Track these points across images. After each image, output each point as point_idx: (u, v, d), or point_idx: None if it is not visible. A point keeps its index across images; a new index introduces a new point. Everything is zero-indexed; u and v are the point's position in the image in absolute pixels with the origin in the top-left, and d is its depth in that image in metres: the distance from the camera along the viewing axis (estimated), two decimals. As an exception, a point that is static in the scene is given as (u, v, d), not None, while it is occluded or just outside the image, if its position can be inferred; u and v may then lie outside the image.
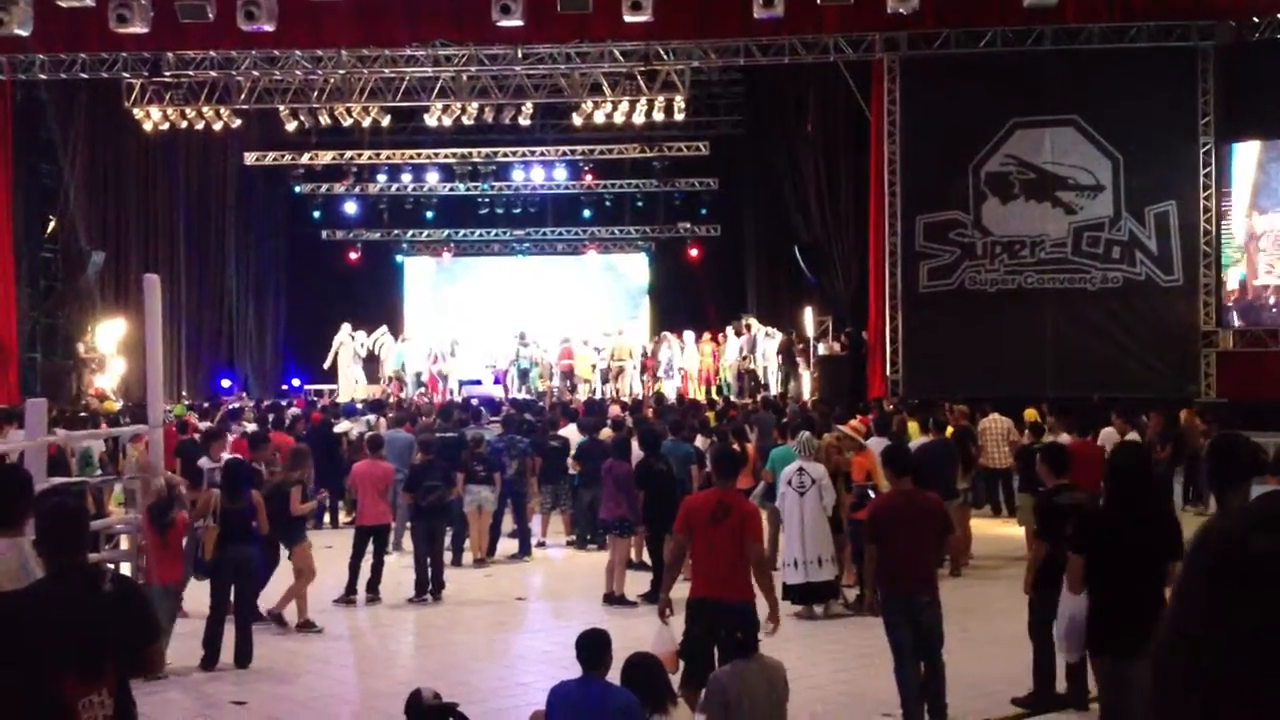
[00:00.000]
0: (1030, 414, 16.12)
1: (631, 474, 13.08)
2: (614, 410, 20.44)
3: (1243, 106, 21.88)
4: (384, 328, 28.91)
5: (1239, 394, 20.97)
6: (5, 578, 4.77)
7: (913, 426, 15.42)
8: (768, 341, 26.55)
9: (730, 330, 27.14)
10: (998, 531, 15.80)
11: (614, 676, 6.12)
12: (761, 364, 26.56)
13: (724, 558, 7.62)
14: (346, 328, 27.94)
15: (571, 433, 16.55)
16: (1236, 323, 22.40)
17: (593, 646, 6.08)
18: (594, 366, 27.87)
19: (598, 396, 25.51)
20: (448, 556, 14.12)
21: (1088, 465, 14.65)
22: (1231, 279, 22.37)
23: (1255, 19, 21.81)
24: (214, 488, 10.79)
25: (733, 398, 24.60)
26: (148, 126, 25.18)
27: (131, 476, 10.88)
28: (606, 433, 16.46)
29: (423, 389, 27.38)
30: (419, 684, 6.02)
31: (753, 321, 27.11)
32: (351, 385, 27.39)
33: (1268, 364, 21.72)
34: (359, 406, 21.37)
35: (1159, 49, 21.97)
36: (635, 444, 13.82)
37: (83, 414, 18.71)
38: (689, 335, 27.51)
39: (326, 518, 17.41)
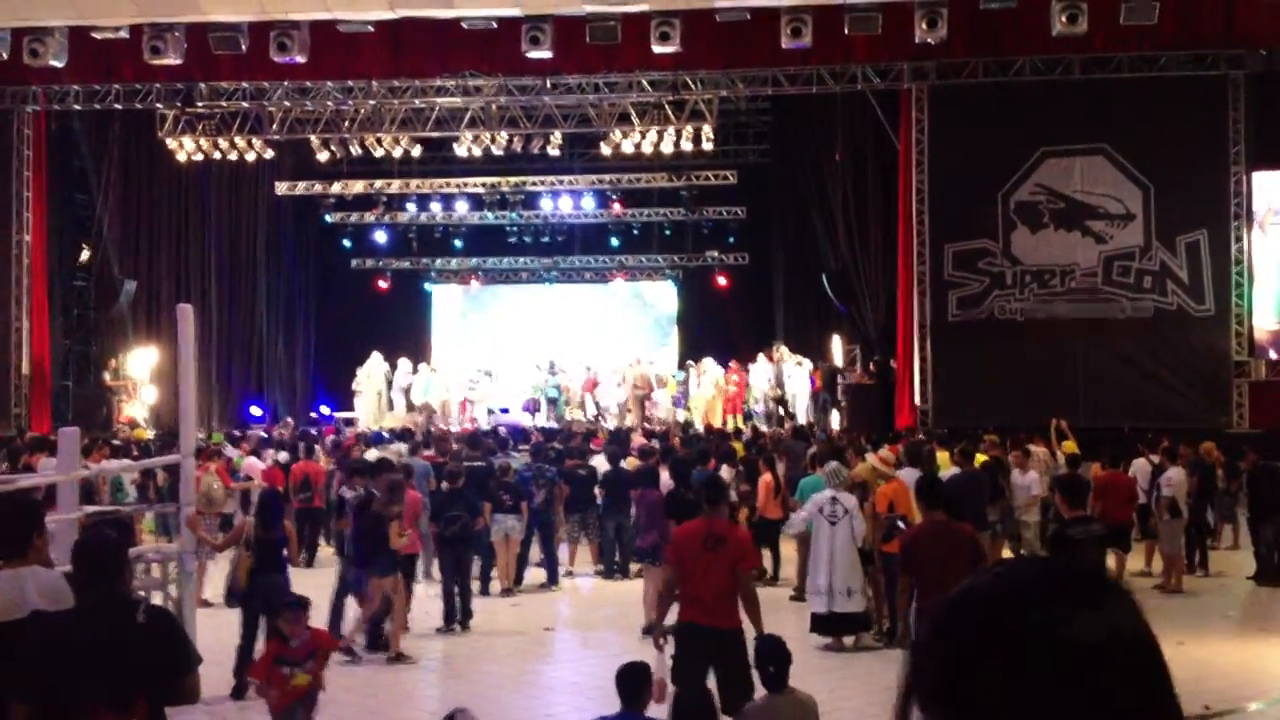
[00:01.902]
0: (1069, 446, 16.00)
1: (662, 502, 13.07)
2: (637, 439, 20.40)
3: (1273, 135, 21.78)
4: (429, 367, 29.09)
5: (1272, 424, 20.78)
6: (2, 609, 4.72)
7: (942, 456, 15.34)
8: (797, 370, 26.47)
9: (762, 356, 27.03)
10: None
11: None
12: (791, 392, 26.46)
13: (716, 585, 7.62)
14: (377, 356, 28.07)
15: (601, 462, 16.55)
16: (1271, 355, 22.22)
17: (632, 680, 6.03)
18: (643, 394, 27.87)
19: (628, 424, 25.54)
20: (475, 586, 14.12)
21: (1119, 495, 14.61)
22: (1266, 313, 22.13)
23: (1286, 47, 21.74)
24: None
25: (761, 426, 24.54)
26: (180, 156, 25.42)
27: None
28: (631, 461, 16.47)
29: (447, 419, 27.45)
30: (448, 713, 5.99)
31: (784, 350, 27.02)
32: (374, 413, 27.47)
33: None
34: (386, 435, 21.44)
35: (1188, 78, 21.90)
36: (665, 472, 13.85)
37: (116, 442, 18.85)
38: (709, 362, 27.42)
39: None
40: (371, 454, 18.78)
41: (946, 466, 14.43)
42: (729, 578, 7.59)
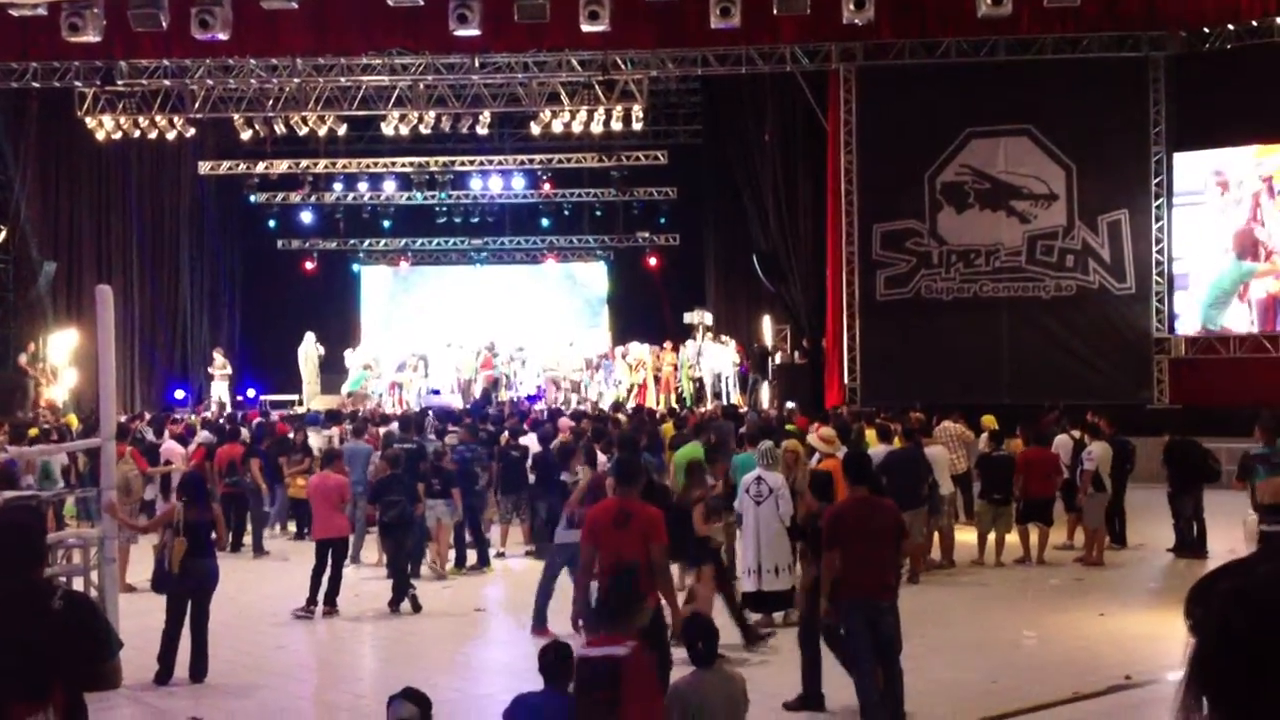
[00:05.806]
0: (989, 420, 16.20)
1: (602, 483, 13.04)
2: (565, 422, 20.26)
3: (1193, 116, 22.17)
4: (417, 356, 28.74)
5: (1191, 400, 21.23)
6: None
7: (870, 434, 15.48)
8: (722, 349, 26.52)
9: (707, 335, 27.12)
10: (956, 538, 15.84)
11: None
12: (711, 372, 26.48)
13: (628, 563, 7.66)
14: (310, 337, 27.79)
15: (532, 442, 16.51)
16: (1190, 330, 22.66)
17: (555, 659, 6.06)
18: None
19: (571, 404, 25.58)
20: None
21: (1041, 470, 14.85)
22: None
23: (1206, 29, 22.10)
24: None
25: (694, 407, 24.63)
26: (100, 136, 24.95)
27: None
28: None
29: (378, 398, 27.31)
30: (377, 696, 5.97)
31: (700, 325, 27.06)
32: (315, 394, 27.26)
33: (1219, 370, 21.99)
34: (321, 416, 21.26)
35: (1111, 59, 22.24)
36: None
37: (46, 426, 18.60)
38: (634, 345, 27.45)
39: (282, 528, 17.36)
40: (312, 436, 18.66)
41: (874, 444, 14.56)
42: (640, 555, 7.63)
